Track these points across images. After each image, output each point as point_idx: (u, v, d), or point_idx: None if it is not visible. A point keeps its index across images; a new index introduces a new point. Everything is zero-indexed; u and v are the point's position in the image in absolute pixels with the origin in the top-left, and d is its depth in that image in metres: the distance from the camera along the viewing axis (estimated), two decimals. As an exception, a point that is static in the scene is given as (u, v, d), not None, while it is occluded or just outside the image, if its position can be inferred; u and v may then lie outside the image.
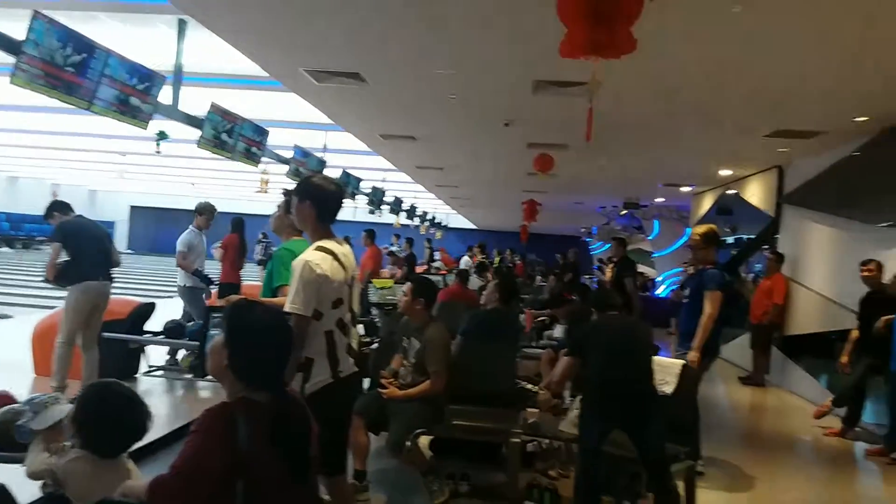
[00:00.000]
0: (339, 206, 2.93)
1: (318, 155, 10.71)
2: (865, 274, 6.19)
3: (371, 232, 10.86)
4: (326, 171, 10.59)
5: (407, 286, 4.25)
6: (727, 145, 8.24)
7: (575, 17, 2.52)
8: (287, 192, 3.60)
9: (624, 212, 16.03)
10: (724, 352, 8.77)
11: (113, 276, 5.70)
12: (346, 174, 12.49)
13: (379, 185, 14.99)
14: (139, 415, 2.10)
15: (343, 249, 2.87)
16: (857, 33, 4.23)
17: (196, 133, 7.18)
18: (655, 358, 3.95)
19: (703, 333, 4.64)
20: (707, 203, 12.51)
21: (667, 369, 4.02)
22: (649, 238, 19.35)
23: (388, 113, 7.93)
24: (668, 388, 3.96)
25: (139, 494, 1.69)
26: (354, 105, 7.56)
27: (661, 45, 4.50)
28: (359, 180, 13.20)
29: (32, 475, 2.10)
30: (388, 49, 5.38)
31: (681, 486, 3.74)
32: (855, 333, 6.23)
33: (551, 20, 2.91)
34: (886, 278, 5.99)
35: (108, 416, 2.04)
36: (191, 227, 7.38)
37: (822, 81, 5.32)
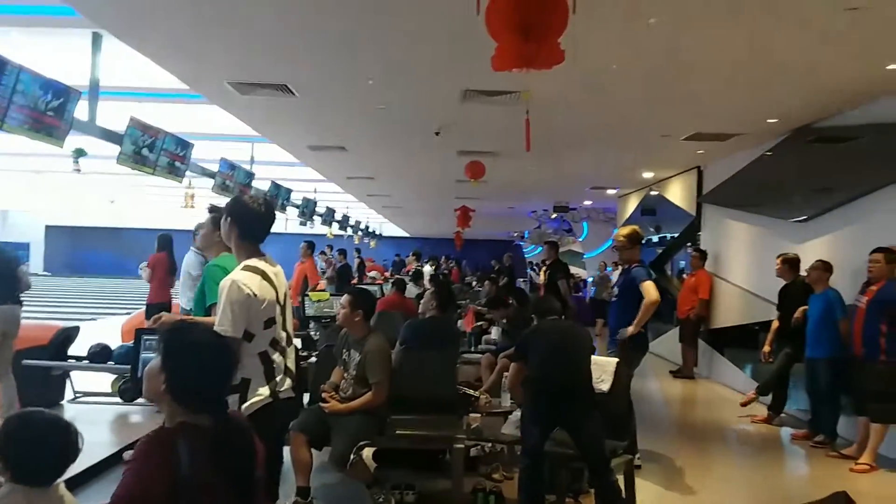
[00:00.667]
0: (264, 226, 2.85)
1: (246, 167, 10.50)
2: (778, 267, 6.54)
3: (311, 244, 10.76)
4: (255, 184, 10.40)
5: (345, 298, 4.22)
6: (649, 149, 8.57)
7: (504, 32, 2.59)
8: (213, 208, 3.52)
9: (554, 215, 16.40)
10: (654, 347, 9.09)
11: (22, 300, 5.46)
12: (275, 186, 12.29)
13: (310, 195, 14.80)
14: (67, 438, 2.01)
15: (274, 269, 2.82)
16: (768, 42, 4.49)
17: (115, 149, 6.91)
18: (593, 357, 4.08)
19: (645, 315, 4.82)
20: (632, 204, 12.94)
21: (603, 367, 4.15)
22: (580, 240, 19.86)
23: (318, 124, 7.87)
24: (605, 386, 4.08)
25: None
26: (282, 117, 7.47)
27: (585, 55, 4.65)
28: (289, 191, 13.01)
29: None
30: (317, 61, 5.35)
31: (620, 480, 3.85)
32: (775, 324, 6.57)
33: (478, 31, 2.98)
34: (802, 270, 6.34)
35: (35, 444, 1.94)
36: (192, 248, 6.90)
37: (736, 87, 5.61)
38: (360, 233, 23.75)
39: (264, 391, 2.69)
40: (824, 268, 5.85)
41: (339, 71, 5.63)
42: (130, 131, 6.99)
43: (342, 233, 20.80)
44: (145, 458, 1.63)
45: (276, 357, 2.75)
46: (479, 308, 9.23)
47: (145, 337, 3.51)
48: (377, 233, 27.68)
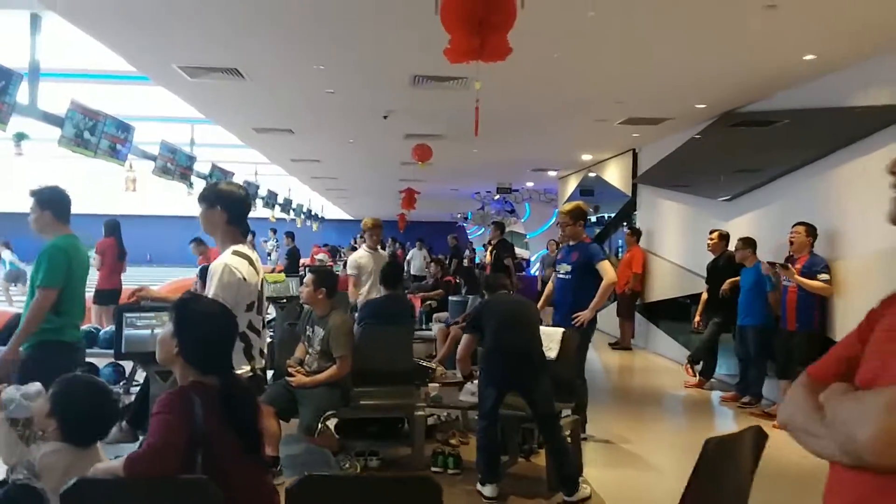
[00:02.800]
0: (248, 209, 3.05)
1: (186, 150, 10.39)
2: (710, 243, 7.05)
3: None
4: (196, 166, 10.33)
5: (309, 277, 4.41)
6: (587, 132, 8.96)
7: (457, 27, 2.82)
8: (34, 192, 3.57)
9: (497, 196, 16.77)
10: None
11: None
12: (215, 168, 12.18)
13: (251, 178, 14.70)
14: (110, 402, 2.20)
15: (255, 255, 3.00)
16: (696, 32, 4.86)
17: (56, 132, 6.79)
18: (541, 328, 4.40)
19: (603, 296, 4.95)
20: (572, 185, 13.42)
21: (551, 337, 4.48)
22: (522, 221, 20.34)
23: (266, 107, 7.92)
24: (553, 353, 4.42)
25: (114, 472, 1.81)
26: (230, 100, 7.50)
27: (527, 44, 4.92)
28: (231, 174, 12.91)
29: (8, 464, 2.15)
30: (268, 45, 5.45)
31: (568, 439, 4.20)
32: (704, 296, 7.09)
33: (428, 18, 3.17)
34: (731, 246, 6.84)
35: (84, 407, 2.13)
36: None
37: (666, 74, 5.99)
38: (302, 216, 23.61)
39: (245, 368, 2.87)
40: (747, 245, 6.34)
41: (290, 55, 5.73)
42: (71, 114, 6.88)
43: (284, 216, 20.66)
44: (169, 411, 1.83)
45: (254, 338, 2.92)
46: (424, 294, 9.45)
47: (126, 315, 3.61)
48: (319, 216, 27.52)
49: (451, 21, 2.85)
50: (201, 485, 1.69)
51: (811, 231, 5.60)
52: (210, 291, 2.68)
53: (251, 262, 2.87)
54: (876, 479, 0.99)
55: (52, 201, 3.50)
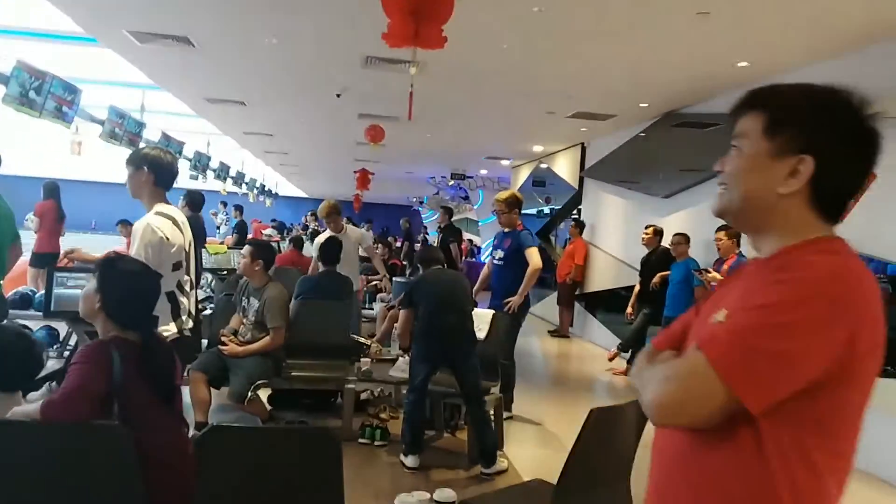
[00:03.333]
0: (175, 173, 3.12)
1: (136, 116, 10.21)
2: (644, 237, 7.34)
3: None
4: (145, 134, 10.17)
5: (247, 249, 4.48)
6: (537, 123, 9.16)
7: (396, 12, 2.94)
8: None
9: (452, 182, 16.90)
10: (536, 309, 9.86)
11: None
12: (165, 137, 11.99)
13: (203, 150, 14.49)
14: (34, 350, 2.28)
15: (181, 217, 3.07)
16: (634, 33, 5.06)
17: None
18: (473, 309, 4.57)
19: (529, 283, 5.10)
20: (524, 175, 13.66)
21: (481, 318, 4.66)
22: (475, 207, 20.54)
23: (217, 78, 7.87)
24: (482, 334, 4.60)
25: (30, 415, 1.89)
26: (180, 68, 7.43)
27: (476, 37, 5.06)
28: (181, 144, 12.72)
29: None
30: (220, 15, 5.44)
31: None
32: (637, 288, 7.39)
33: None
34: (666, 241, 7.13)
35: (8, 354, 2.19)
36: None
37: (611, 73, 6.21)
38: (255, 190, 23.32)
39: (171, 328, 2.94)
40: (684, 240, 6.64)
41: (241, 26, 5.71)
42: (17, 72, 6.74)
43: (236, 189, 20.40)
44: (86, 360, 1.93)
45: (182, 299, 3.00)
46: (367, 277, 9.52)
47: (57, 274, 3.64)
48: (273, 192, 27.21)
49: (391, 6, 2.96)
50: (113, 430, 1.79)
51: (733, 234, 5.90)
52: (132, 250, 2.75)
53: (175, 223, 2.93)
54: (676, 437, 1.13)
55: None
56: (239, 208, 12.99)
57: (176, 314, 2.90)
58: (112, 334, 2.04)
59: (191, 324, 3.05)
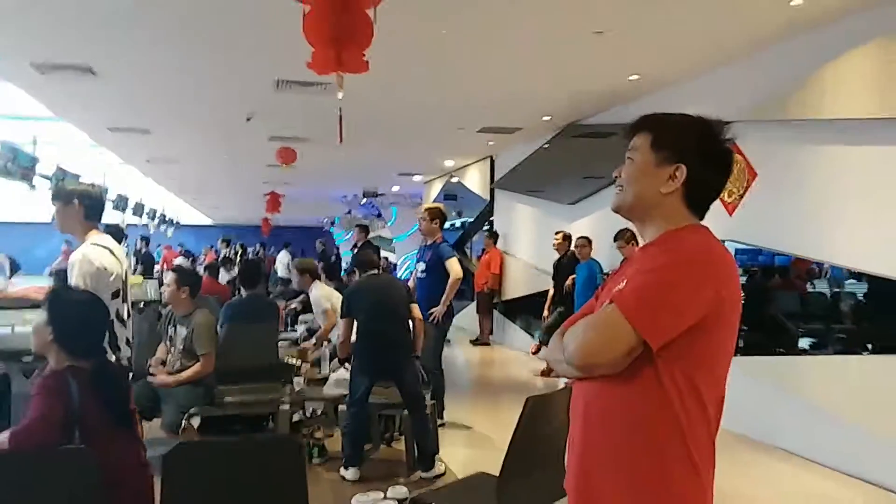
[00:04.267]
0: (103, 207, 3.13)
1: (28, 150, 9.74)
2: (555, 243, 7.74)
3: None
4: (38, 168, 9.71)
5: (171, 276, 4.44)
6: (447, 139, 9.46)
7: (318, 41, 3.08)
8: None
9: (364, 200, 16.98)
10: (457, 320, 10.03)
11: None
12: (61, 171, 11.47)
13: (99, 181, 13.93)
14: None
15: (116, 246, 3.08)
16: (538, 52, 5.40)
17: None
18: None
19: (451, 292, 5.27)
20: (436, 190, 13.94)
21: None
22: (389, 224, 20.66)
23: (120, 106, 7.68)
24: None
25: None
26: (81, 98, 7.21)
27: (386, 57, 5.24)
28: (77, 177, 12.18)
29: None
30: (124, 44, 5.36)
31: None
32: (551, 291, 7.76)
33: (292, 23, 3.38)
34: (573, 245, 7.54)
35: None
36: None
37: (511, 87, 6.54)
38: (155, 220, 22.50)
39: (111, 358, 2.93)
40: (587, 242, 7.07)
41: (146, 54, 5.64)
42: None
43: (136, 220, 19.65)
44: (46, 391, 1.96)
45: (119, 329, 3.00)
46: (286, 304, 9.48)
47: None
48: (175, 220, 26.30)
49: (313, 36, 3.10)
50: (80, 453, 1.84)
51: (629, 238, 6.33)
52: (71, 281, 2.75)
53: (111, 252, 2.95)
54: (594, 384, 1.43)
55: None
56: (145, 240, 12.56)
57: (115, 345, 2.90)
58: (66, 364, 2.07)
59: (130, 353, 3.05)
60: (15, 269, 7.41)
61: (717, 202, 5.13)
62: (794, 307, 7.25)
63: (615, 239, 6.19)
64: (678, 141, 1.47)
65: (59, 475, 1.79)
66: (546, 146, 8.74)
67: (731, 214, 5.47)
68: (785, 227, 5.06)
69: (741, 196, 5.42)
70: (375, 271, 4.60)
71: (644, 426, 1.37)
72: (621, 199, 1.53)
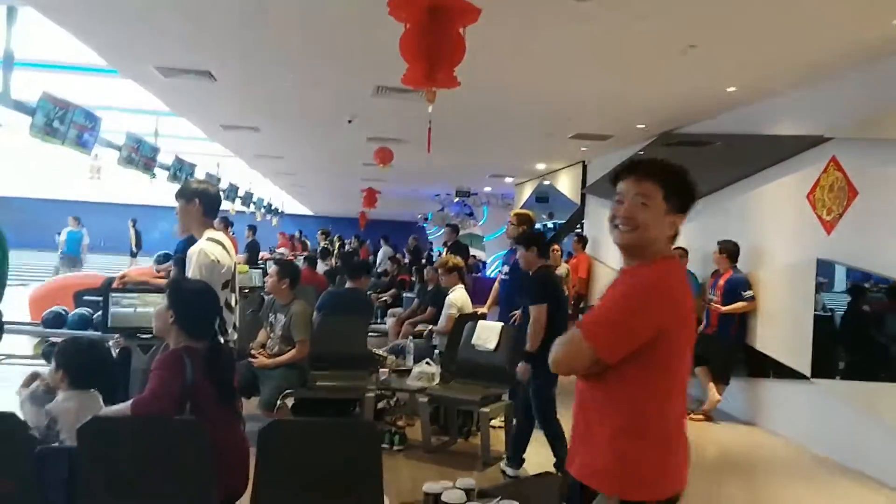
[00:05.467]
0: (220, 203, 3.52)
1: (151, 141, 10.62)
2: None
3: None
4: (160, 158, 10.55)
5: (273, 269, 4.84)
6: (539, 144, 9.56)
7: (412, 58, 3.32)
8: None
9: (456, 199, 17.27)
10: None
11: None
12: (178, 160, 12.37)
13: (213, 171, 14.92)
14: (104, 350, 2.65)
15: (228, 242, 3.44)
16: (635, 63, 5.42)
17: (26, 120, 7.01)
18: (481, 321, 4.91)
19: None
20: (527, 192, 14.03)
21: (490, 330, 5.00)
22: (480, 223, 20.89)
23: (235, 107, 8.27)
24: (491, 345, 4.93)
25: (121, 412, 2.25)
26: (200, 99, 7.83)
27: (480, 67, 5.44)
28: (193, 166, 13.11)
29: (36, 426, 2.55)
30: (241, 51, 5.83)
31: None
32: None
33: (390, 36, 3.64)
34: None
35: (84, 357, 2.57)
36: None
37: (607, 97, 6.59)
38: (262, 209, 23.75)
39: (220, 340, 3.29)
40: (683, 254, 6.98)
41: (260, 60, 6.08)
42: (42, 103, 7.12)
43: (244, 209, 20.81)
44: (164, 367, 2.30)
45: (227, 315, 3.36)
46: (377, 294, 9.91)
47: (112, 295, 4.04)
48: (279, 210, 27.63)
49: (407, 54, 3.33)
50: (191, 424, 2.15)
51: (725, 249, 6.23)
52: (189, 273, 3.12)
53: (224, 247, 3.31)
54: (586, 380, 1.77)
55: None
56: (252, 228, 13.35)
57: (223, 329, 3.24)
58: (183, 344, 2.40)
59: (235, 336, 3.40)
60: (139, 245, 8.06)
61: (815, 220, 5.11)
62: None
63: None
64: (681, 195, 1.79)
65: (173, 442, 2.11)
66: (640, 153, 8.67)
67: (829, 234, 5.31)
68: (882, 247, 4.87)
69: (840, 215, 5.24)
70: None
71: (625, 403, 1.71)
72: (634, 238, 1.77)
